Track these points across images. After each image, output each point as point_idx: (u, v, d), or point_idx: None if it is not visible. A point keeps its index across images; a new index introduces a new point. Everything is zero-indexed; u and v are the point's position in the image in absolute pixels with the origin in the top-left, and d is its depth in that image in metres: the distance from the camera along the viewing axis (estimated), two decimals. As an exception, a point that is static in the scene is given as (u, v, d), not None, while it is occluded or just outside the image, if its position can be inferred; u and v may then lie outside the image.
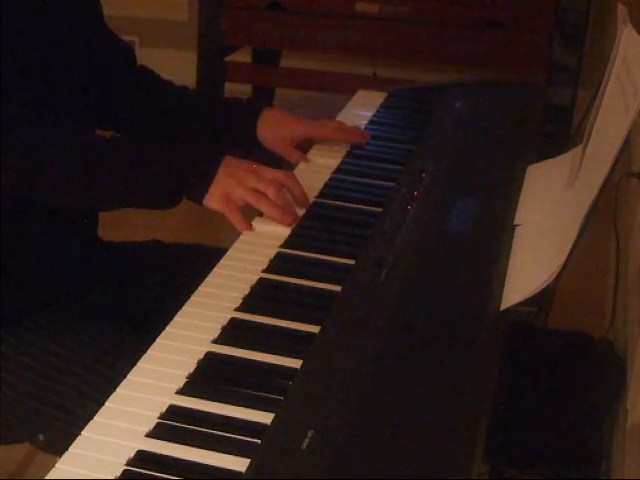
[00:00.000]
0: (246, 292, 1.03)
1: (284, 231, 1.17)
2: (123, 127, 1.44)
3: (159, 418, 0.82)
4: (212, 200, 1.16)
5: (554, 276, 0.95)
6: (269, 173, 1.19)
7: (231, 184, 1.16)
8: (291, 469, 0.75)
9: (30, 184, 1.13)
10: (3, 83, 1.12)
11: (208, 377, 0.88)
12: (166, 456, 0.78)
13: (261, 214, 1.18)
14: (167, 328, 0.96)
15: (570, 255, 0.94)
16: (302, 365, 0.89)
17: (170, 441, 0.79)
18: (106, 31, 1.38)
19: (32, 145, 1.12)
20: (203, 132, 1.44)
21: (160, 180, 1.15)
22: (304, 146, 1.44)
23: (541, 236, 1.10)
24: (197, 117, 1.44)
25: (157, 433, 0.80)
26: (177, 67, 2.62)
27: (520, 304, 0.98)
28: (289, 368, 0.89)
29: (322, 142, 1.45)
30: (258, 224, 1.18)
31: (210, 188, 1.16)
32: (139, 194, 1.16)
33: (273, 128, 1.40)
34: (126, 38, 1.46)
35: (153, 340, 0.94)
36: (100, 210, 1.25)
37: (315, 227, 1.19)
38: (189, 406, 0.84)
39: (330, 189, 1.30)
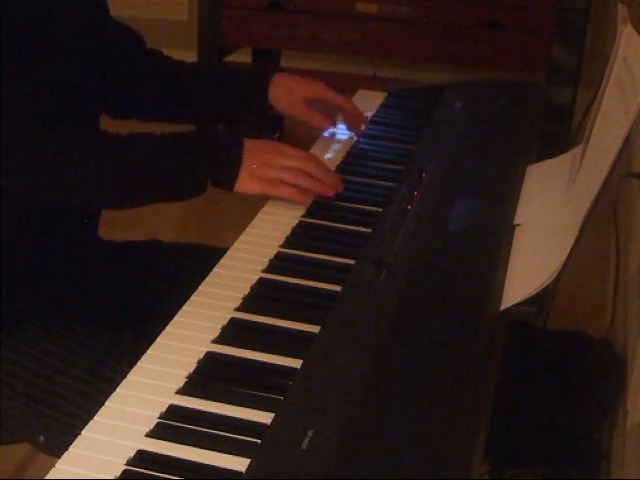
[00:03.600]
0: (246, 292, 1.03)
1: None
2: (144, 113, 1.44)
3: (159, 418, 0.82)
4: (245, 184, 1.16)
5: (554, 276, 0.95)
6: (293, 151, 1.20)
7: (260, 166, 1.17)
8: (291, 469, 0.75)
9: (57, 187, 1.12)
10: (16, 85, 1.11)
11: (208, 377, 0.88)
12: (166, 456, 0.78)
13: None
14: (167, 328, 0.96)
15: (570, 255, 0.94)
16: (302, 365, 0.89)
17: (170, 441, 0.79)
18: (112, 20, 1.37)
19: (57, 147, 1.12)
20: (217, 104, 1.43)
21: (186, 172, 1.14)
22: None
23: (541, 236, 1.10)
24: (211, 90, 1.43)
25: (157, 433, 0.80)
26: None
27: (520, 304, 0.98)
28: (289, 368, 0.89)
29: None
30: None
31: (240, 173, 1.16)
32: (166, 188, 1.15)
33: (286, 91, 1.40)
34: (126, 38, 1.45)
35: (153, 340, 0.94)
36: (127, 207, 1.25)
37: (315, 227, 1.19)
38: (189, 406, 0.84)
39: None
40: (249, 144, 1.18)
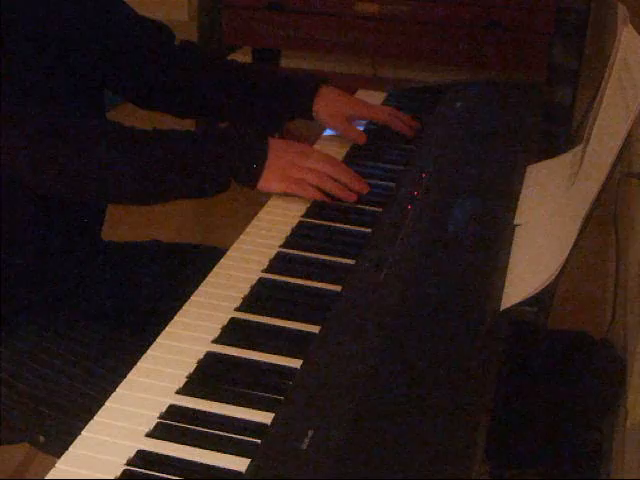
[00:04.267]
0: (246, 292, 1.03)
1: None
2: (177, 108, 1.45)
3: (159, 418, 0.82)
4: (269, 182, 1.17)
5: (554, 276, 0.95)
6: (318, 154, 1.21)
7: (285, 165, 1.18)
8: (291, 469, 0.75)
9: (81, 181, 1.12)
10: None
11: (208, 377, 0.88)
12: (166, 456, 0.78)
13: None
14: (167, 328, 0.96)
15: (570, 255, 0.94)
16: (302, 365, 0.89)
17: (170, 441, 0.79)
18: (132, 15, 1.37)
19: (81, 141, 1.12)
20: (258, 106, 1.44)
21: (211, 168, 1.15)
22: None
23: (541, 236, 1.10)
24: (253, 91, 1.44)
25: (157, 433, 0.80)
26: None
27: (520, 304, 0.98)
28: (289, 368, 0.89)
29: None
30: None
31: (264, 171, 1.16)
32: (190, 185, 1.15)
33: (330, 105, 1.42)
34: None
35: (153, 340, 0.94)
36: (150, 203, 1.25)
37: (315, 227, 1.19)
38: (189, 406, 0.84)
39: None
40: (275, 143, 1.19)
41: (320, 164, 1.21)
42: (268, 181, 1.18)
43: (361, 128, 1.49)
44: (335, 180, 1.22)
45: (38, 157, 1.09)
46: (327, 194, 1.22)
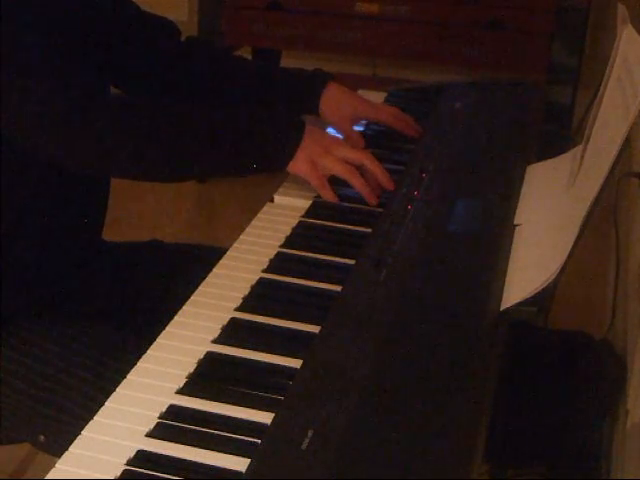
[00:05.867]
0: (246, 292, 1.03)
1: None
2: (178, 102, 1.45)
3: (159, 418, 0.82)
4: (298, 165, 1.19)
5: (554, 276, 0.95)
6: (351, 147, 1.23)
7: (318, 151, 1.19)
8: (291, 469, 0.75)
9: (117, 156, 1.13)
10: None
11: (208, 377, 0.88)
12: (166, 456, 0.78)
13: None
14: (167, 328, 0.96)
15: (570, 255, 0.94)
16: (302, 365, 0.89)
17: (170, 441, 0.79)
18: (137, 11, 1.38)
19: (118, 118, 1.13)
20: (266, 102, 1.44)
21: (247, 147, 1.17)
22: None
23: (541, 236, 1.10)
24: (259, 87, 1.44)
25: (157, 433, 0.80)
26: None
27: (520, 304, 0.98)
28: (289, 368, 0.89)
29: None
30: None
31: (296, 153, 1.17)
32: (225, 161, 1.18)
33: (335, 105, 1.42)
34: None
35: (153, 340, 0.94)
36: (187, 178, 1.28)
37: (315, 227, 1.19)
38: (189, 406, 0.84)
39: (330, 189, 1.30)
40: (311, 129, 1.20)
41: (353, 154, 1.22)
42: (298, 163, 1.19)
43: (361, 128, 1.49)
44: (364, 174, 1.22)
45: (73, 131, 1.10)
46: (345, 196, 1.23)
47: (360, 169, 1.23)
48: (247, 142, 1.17)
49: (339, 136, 1.46)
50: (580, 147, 1.13)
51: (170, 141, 1.14)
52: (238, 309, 1.00)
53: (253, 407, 0.83)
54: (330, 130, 1.47)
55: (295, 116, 1.22)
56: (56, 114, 1.09)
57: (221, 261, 1.10)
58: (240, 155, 1.17)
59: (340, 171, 1.21)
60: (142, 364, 0.90)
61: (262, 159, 1.18)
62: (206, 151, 1.16)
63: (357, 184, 1.22)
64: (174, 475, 0.76)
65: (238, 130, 1.17)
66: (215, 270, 1.08)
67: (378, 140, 1.46)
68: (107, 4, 1.29)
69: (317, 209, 1.22)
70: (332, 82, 1.43)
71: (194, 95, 1.43)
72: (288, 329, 0.96)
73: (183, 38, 1.44)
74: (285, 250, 1.12)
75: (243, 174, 1.23)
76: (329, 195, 1.22)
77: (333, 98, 1.41)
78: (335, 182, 1.32)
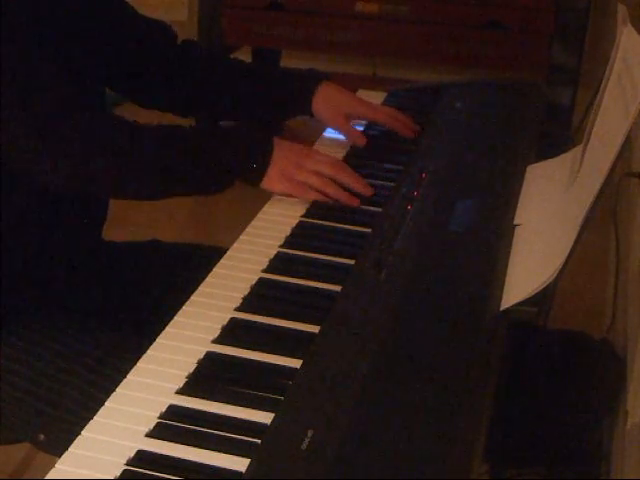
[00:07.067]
0: (246, 292, 1.03)
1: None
2: (179, 107, 1.45)
3: (159, 418, 0.82)
4: (272, 182, 1.18)
5: (554, 276, 0.95)
6: (322, 156, 1.22)
7: (290, 166, 1.18)
8: (291, 469, 0.75)
9: (84, 176, 1.12)
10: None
11: (208, 377, 0.88)
12: (166, 456, 0.78)
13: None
14: (167, 328, 0.96)
15: (570, 255, 0.94)
16: (302, 365, 0.89)
17: (170, 441, 0.79)
18: (134, 14, 1.38)
19: (86, 135, 1.11)
20: (259, 103, 1.44)
21: (216, 166, 1.15)
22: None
23: (541, 236, 1.10)
24: (253, 88, 1.44)
25: (157, 433, 0.80)
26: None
27: (520, 304, 0.98)
28: (289, 368, 0.89)
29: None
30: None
31: (268, 170, 1.17)
32: (193, 182, 1.16)
33: (329, 103, 1.41)
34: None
35: (153, 340, 0.94)
36: (153, 199, 1.26)
37: (315, 227, 1.19)
38: (189, 406, 0.84)
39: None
40: (280, 143, 1.20)
41: (324, 166, 1.21)
42: (271, 180, 1.18)
43: (361, 128, 1.49)
44: (338, 183, 1.22)
45: (47, 150, 1.09)
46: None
47: (334, 178, 1.22)
48: (215, 161, 1.16)
49: (337, 135, 1.46)
50: (580, 147, 1.13)
51: (139, 162, 1.13)
52: (238, 309, 0.99)
53: (253, 407, 0.83)
54: (329, 130, 1.48)
55: (263, 133, 1.21)
56: (24, 132, 1.08)
57: (221, 261, 1.10)
58: (209, 176, 1.16)
59: (314, 183, 1.21)
60: (142, 364, 0.90)
61: (233, 178, 1.17)
62: (175, 171, 1.15)
63: (332, 193, 1.21)
64: (174, 475, 0.76)
65: (205, 150, 1.16)
66: (215, 270, 1.08)
67: (378, 140, 1.46)
68: (103, 7, 1.29)
69: (317, 209, 1.22)
70: (326, 82, 1.43)
71: (189, 97, 1.43)
72: (288, 329, 0.96)
73: (182, 39, 1.44)
74: (285, 250, 1.12)
75: (214, 193, 1.20)
76: (314, 196, 1.22)
77: (327, 97, 1.41)
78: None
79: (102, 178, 1.13)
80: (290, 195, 1.21)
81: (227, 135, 1.18)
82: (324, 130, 1.49)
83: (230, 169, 1.16)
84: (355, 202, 1.22)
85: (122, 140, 1.13)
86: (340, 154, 1.41)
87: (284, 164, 1.18)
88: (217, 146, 1.16)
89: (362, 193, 1.24)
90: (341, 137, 1.47)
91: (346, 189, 1.23)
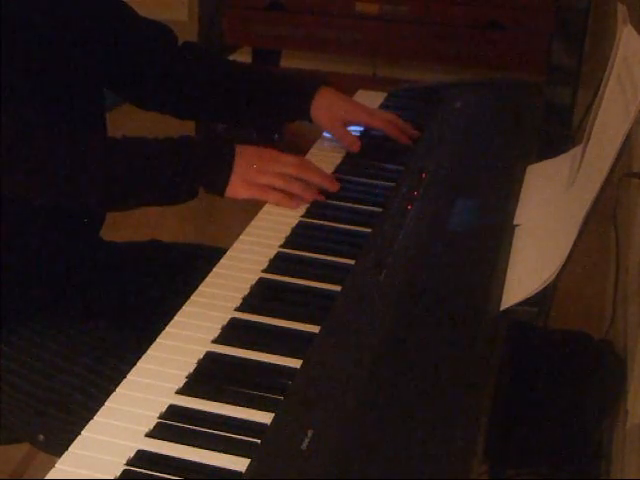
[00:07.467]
0: (246, 292, 1.03)
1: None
2: (177, 109, 1.45)
3: (159, 418, 0.82)
4: (235, 189, 1.17)
5: (554, 276, 0.95)
6: (285, 157, 1.21)
7: (252, 172, 1.18)
8: (291, 469, 0.75)
9: (43, 185, 1.12)
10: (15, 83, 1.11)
11: (208, 377, 0.88)
12: (166, 456, 0.78)
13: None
14: (167, 328, 0.96)
15: (570, 255, 0.94)
16: (302, 365, 0.89)
17: (170, 441, 0.79)
18: (134, 15, 1.38)
19: (51, 148, 1.11)
20: (258, 107, 1.44)
21: (178, 176, 1.15)
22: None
23: (541, 236, 1.10)
24: (252, 92, 1.43)
25: (157, 433, 0.80)
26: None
27: (520, 304, 0.98)
28: (289, 368, 0.89)
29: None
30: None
31: (230, 179, 1.17)
32: (157, 193, 1.16)
33: (328, 108, 1.41)
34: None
35: (153, 340, 0.94)
36: (118, 210, 1.25)
37: (315, 227, 1.19)
38: (189, 406, 0.84)
39: (330, 189, 1.30)
40: (240, 150, 1.18)
41: (288, 168, 1.21)
42: (235, 188, 1.17)
43: (359, 130, 1.49)
44: (304, 181, 1.22)
45: (10, 163, 1.09)
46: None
47: (299, 178, 1.22)
48: (174, 172, 1.15)
49: (331, 136, 1.45)
50: (580, 147, 1.13)
51: (95, 174, 1.12)
52: (238, 309, 0.99)
53: (253, 407, 0.83)
54: (325, 135, 1.47)
55: (223, 142, 1.20)
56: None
57: (221, 261, 1.10)
58: (171, 186, 1.15)
59: (280, 186, 1.20)
60: (142, 364, 0.90)
61: (194, 188, 1.16)
62: (136, 183, 1.14)
63: (297, 191, 1.21)
64: (174, 475, 0.76)
65: (165, 160, 1.15)
66: (215, 270, 1.08)
67: (378, 140, 1.46)
68: (103, 9, 1.29)
69: (317, 209, 1.22)
70: (325, 86, 1.43)
71: (188, 99, 1.43)
72: (288, 329, 0.96)
73: (182, 39, 1.44)
74: (285, 250, 1.12)
75: (175, 204, 1.19)
76: (277, 198, 1.21)
77: (325, 102, 1.41)
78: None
79: (57, 190, 1.13)
80: (255, 199, 1.20)
81: (189, 145, 1.17)
82: (323, 132, 1.49)
83: (192, 179, 1.16)
84: (318, 197, 1.22)
85: (79, 152, 1.12)
86: (339, 156, 1.41)
87: (246, 170, 1.18)
88: (179, 157, 1.16)
89: (329, 189, 1.24)
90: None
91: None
